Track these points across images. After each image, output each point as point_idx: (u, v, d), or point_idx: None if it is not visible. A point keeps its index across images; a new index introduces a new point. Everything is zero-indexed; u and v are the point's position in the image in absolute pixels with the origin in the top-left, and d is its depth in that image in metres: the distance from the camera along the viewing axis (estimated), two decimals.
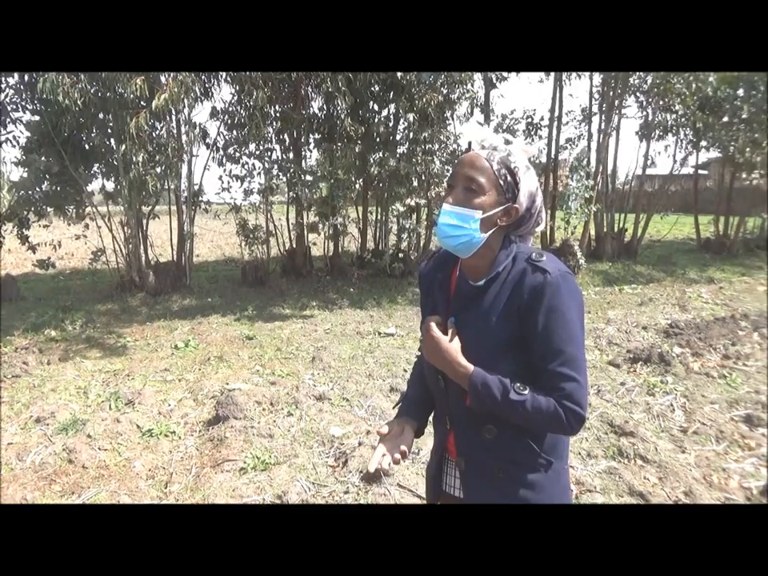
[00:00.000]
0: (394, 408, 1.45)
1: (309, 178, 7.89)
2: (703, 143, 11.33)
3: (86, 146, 7.21)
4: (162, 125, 6.82)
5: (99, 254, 7.72)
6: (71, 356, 5.20)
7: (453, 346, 1.20)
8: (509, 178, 1.20)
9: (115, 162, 7.02)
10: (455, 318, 1.26)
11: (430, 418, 1.45)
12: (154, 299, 7.39)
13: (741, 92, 10.28)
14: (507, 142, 1.24)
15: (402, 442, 1.31)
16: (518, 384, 1.12)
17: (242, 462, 3.17)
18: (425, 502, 2.77)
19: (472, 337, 1.22)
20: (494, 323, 1.18)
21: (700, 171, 13.71)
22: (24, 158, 7.06)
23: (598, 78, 10.64)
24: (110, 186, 7.68)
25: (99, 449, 3.33)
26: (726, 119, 10.66)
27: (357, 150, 7.93)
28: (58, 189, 7.35)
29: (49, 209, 7.46)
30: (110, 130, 7.00)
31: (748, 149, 10.31)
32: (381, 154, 8.22)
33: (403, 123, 8.57)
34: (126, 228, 7.49)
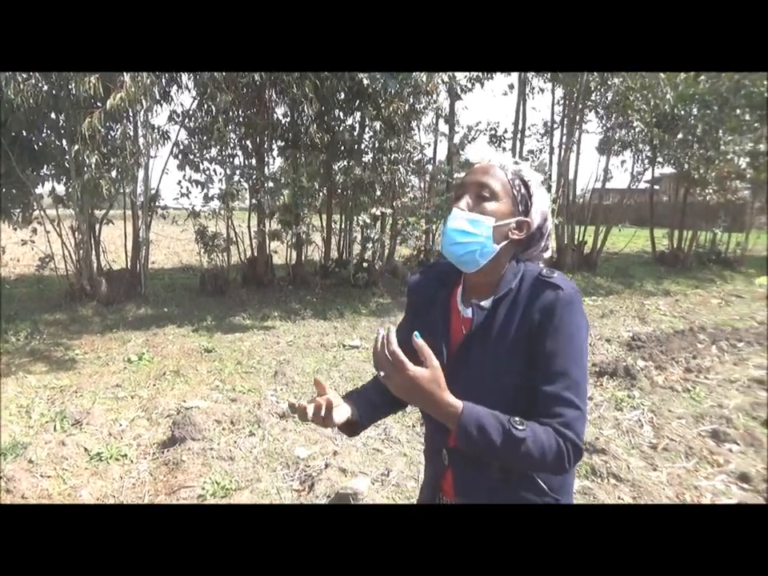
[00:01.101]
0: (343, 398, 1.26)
1: (271, 184, 7.69)
2: (659, 159, 11.66)
3: (35, 147, 6.83)
4: (117, 126, 6.51)
5: (47, 260, 7.30)
6: (13, 371, 4.84)
7: (429, 376, 0.95)
8: (522, 190, 1.13)
9: (67, 164, 6.66)
10: (450, 347, 1.14)
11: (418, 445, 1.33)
12: (106, 309, 7.02)
13: (695, 110, 10.64)
14: (516, 163, 1.16)
15: (329, 416, 1.10)
16: (516, 418, 0.98)
17: (200, 488, 2.96)
18: None
19: (477, 370, 1.10)
20: (503, 356, 1.07)
21: (650, 186, 14.12)
22: None
23: (560, 92, 10.85)
24: (60, 189, 7.30)
25: (42, 476, 3.06)
26: (680, 136, 11.02)
27: (322, 158, 7.79)
28: (4, 191, 6.92)
29: None
30: (62, 131, 6.65)
31: (701, 166, 10.67)
32: (346, 163, 8.11)
33: (368, 132, 8.49)
34: (76, 233, 7.11)
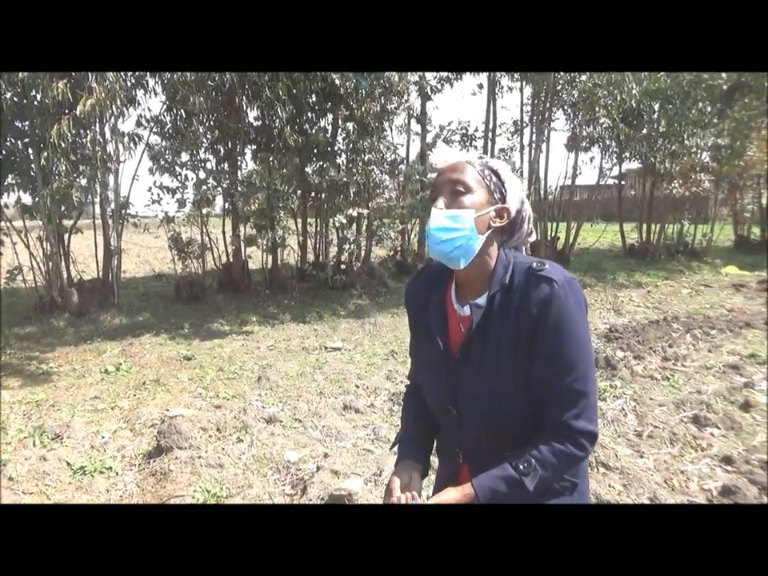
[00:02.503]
0: (390, 450, 1.31)
1: (245, 189, 7.60)
2: (626, 154, 11.92)
3: None
4: (86, 133, 6.35)
5: (16, 272, 7.07)
6: None
7: (438, 499, 1.08)
8: (494, 178, 1.14)
9: (33, 173, 6.47)
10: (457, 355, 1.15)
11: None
12: (79, 320, 6.84)
13: (657, 105, 10.91)
14: (481, 157, 1.17)
15: (412, 489, 1.17)
16: (522, 462, 1.05)
17: (190, 497, 2.90)
18: None
19: (477, 373, 1.11)
20: (504, 353, 1.08)
21: (617, 181, 14.43)
22: None
23: (528, 91, 11.00)
24: (26, 198, 7.07)
25: (23, 493, 2.95)
26: (645, 131, 11.28)
27: (296, 161, 7.74)
28: None
29: None
30: (27, 138, 6.45)
31: (667, 160, 10.94)
32: (320, 165, 8.08)
33: (341, 133, 8.48)
34: (45, 243, 6.91)
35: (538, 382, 1.07)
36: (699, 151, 11.46)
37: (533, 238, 1.25)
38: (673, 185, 11.46)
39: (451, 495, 1.07)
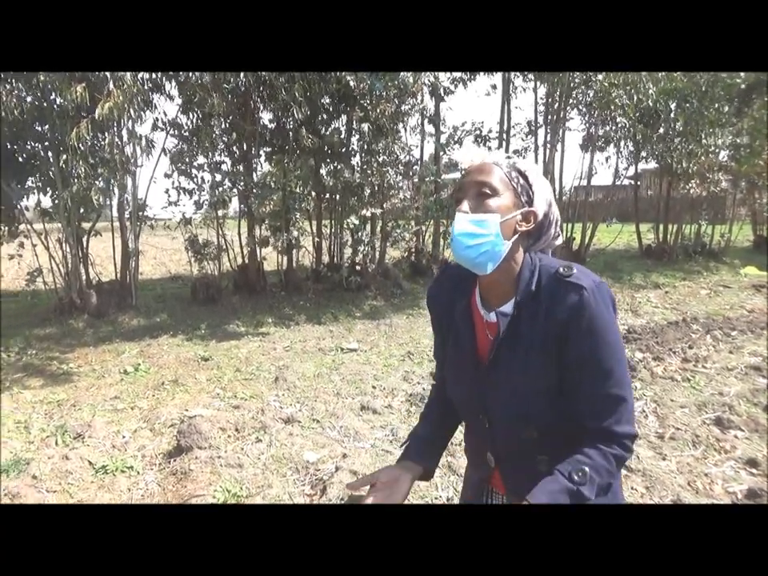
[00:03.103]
0: (401, 447, 1.29)
1: (260, 190, 7.64)
2: (643, 154, 11.80)
3: (20, 159, 6.71)
4: (104, 136, 6.42)
5: (36, 274, 7.17)
6: (8, 386, 4.74)
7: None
8: (521, 181, 1.10)
9: (53, 176, 6.56)
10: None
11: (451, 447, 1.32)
12: (98, 321, 6.91)
13: (675, 105, 10.80)
14: (509, 157, 1.14)
15: (392, 495, 1.13)
16: (576, 473, 1.01)
17: (210, 496, 2.91)
18: None
19: (507, 380, 1.10)
20: (534, 360, 1.07)
21: (632, 182, 14.29)
22: None
23: (542, 90, 10.94)
24: (46, 201, 7.18)
25: (47, 491, 2.99)
26: (662, 131, 11.16)
27: (310, 162, 7.77)
28: None
29: None
30: (47, 142, 6.54)
31: (684, 159, 10.81)
32: (334, 166, 8.09)
33: (356, 135, 8.49)
34: (64, 246, 7.00)
35: (573, 389, 1.06)
36: (717, 150, 11.31)
37: (559, 241, 1.22)
38: (690, 185, 11.32)
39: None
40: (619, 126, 10.53)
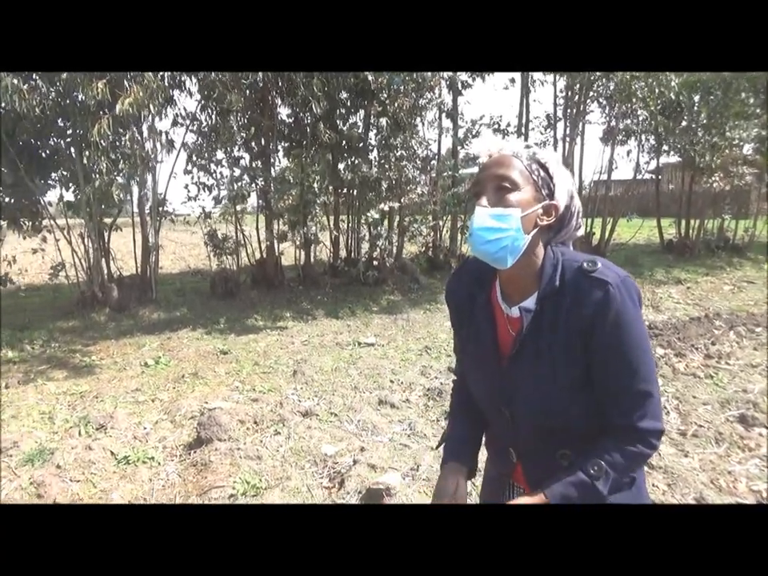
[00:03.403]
0: (436, 449, 1.29)
1: (278, 185, 7.68)
2: (664, 147, 11.61)
3: (43, 154, 6.82)
4: (125, 132, 6.50)
5: (59, 268, 7.29)
6: (32, 378, 4.83)
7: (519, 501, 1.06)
8: (542, 173, 1.07)
9: (75, 172, 6.66)
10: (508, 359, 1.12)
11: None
12: (119, 315, 7.02)
13: (698, 97, 10.59)
14: (528, 146, 1.10)
15: (457, 500, 1.16)
16: (592, 467, 1.01)
17: (230, 487, 2.94)
18: None
19: (529, 375, 1.08)
20: (558, 356, 1.05)
21: (653, 176, 14.04)
22: None
23: (561, 83, 10.80)
24: (68, 196, 7.29)
25: (71, 480, 3.05)
26: (684, 124, 10.96)
27: (328, 157, 7.78)
28: (12, 201, 6.92)
29: (2, 222, 7.02)
30: (69, 138, 6.64)
31: (707, 153, 10.61)
32: (352, 161, 8.09)
33: (373, 129, 8.48)
34: (86, 240, 7.11)
35: (599, 384, 1.04)
36: (741, 143, 11.07)
37: (581, 233, 1.20)
38: (713, 178, 11.10)
39: (523, 502, 1.05)
40: (640, 118, 10.37)
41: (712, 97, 10.16)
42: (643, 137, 11.37)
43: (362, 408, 4.00)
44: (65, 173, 7.00)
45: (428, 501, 2.80)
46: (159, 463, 3.29)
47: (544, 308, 1.06)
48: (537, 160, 1.08)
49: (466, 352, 1.24)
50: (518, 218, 1.03)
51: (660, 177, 14.59)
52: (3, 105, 5.41)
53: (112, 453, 3.37)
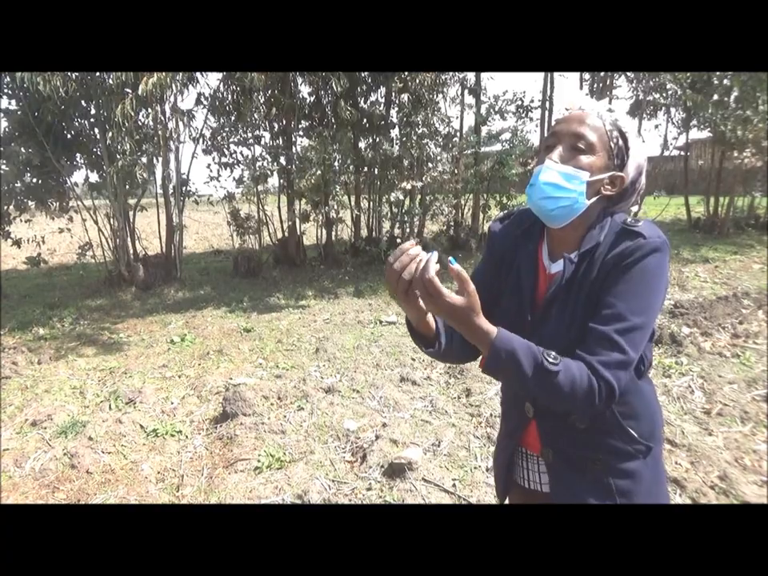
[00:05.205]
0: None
1: (300, 164, 7.68)
2: (693, 122, 11.28)
3: (68, 136, 6.92)
4: (148, 112, 6.55)
5: (86, 248, 7.44)
6: (63, 354, 4.98)
7: (465, 303, 0.93)
8: (620, 142, 1.05)
9: (99, 152, 6.74)
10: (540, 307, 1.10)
11: (497, 399, 1.29)
12: (145, 293, 7.16)
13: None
14: (611, 110, 1.08)
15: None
16: (551, 352, 0.95)
17: (255, 460, 3.02)
18: (452, 498, 2.65)
19: (556, 329, 1.07)
20: (579, 308, 1.03)
21: (681, 152, 13.68)
22: (2, 149, 6.75)
23: None
24: (93, 177, 7.40)
25: (103, 452, 3.15)
26: (716, 98, 10.61)
27: (349, 135, 7.74)
28: (40, 182, 7.05)
29: (30, 203, 7.17)
30: (92, 119, 6.71)
31: (739, 127, 10.27)
32: (373, 139, 8.04)
33: (394, 107, 8.40)
34: (112, 221, 7.23)
35: (595, 315, 1.00)
36: None
37: (636, 209, 1.18)
38: (744, 154, 10.77)
39: (472, 323, 0.94)
40: (669, 92, 10.06)
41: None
42: (672, 110, 11.05)
43: (383, 385, 4.04)
44: (90, 154, 7.09)
45: (450, 475, 2.84)
46: (187, 436, 3.38)
47: (582, 263, 1.05)
48: (618, 127, 1.06)
49: (499, 305, 1.20)
50: (585, 182, 1.02)
51: (689, 153, 14.23)
52: (26, 85, 5.47)
53: (141, 426, 3.47)
